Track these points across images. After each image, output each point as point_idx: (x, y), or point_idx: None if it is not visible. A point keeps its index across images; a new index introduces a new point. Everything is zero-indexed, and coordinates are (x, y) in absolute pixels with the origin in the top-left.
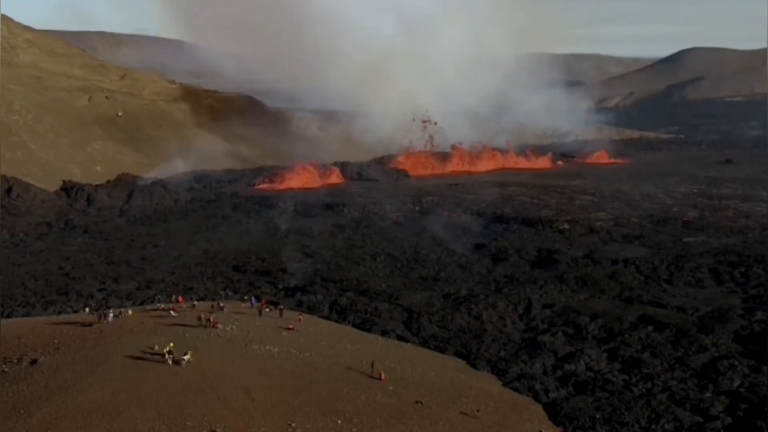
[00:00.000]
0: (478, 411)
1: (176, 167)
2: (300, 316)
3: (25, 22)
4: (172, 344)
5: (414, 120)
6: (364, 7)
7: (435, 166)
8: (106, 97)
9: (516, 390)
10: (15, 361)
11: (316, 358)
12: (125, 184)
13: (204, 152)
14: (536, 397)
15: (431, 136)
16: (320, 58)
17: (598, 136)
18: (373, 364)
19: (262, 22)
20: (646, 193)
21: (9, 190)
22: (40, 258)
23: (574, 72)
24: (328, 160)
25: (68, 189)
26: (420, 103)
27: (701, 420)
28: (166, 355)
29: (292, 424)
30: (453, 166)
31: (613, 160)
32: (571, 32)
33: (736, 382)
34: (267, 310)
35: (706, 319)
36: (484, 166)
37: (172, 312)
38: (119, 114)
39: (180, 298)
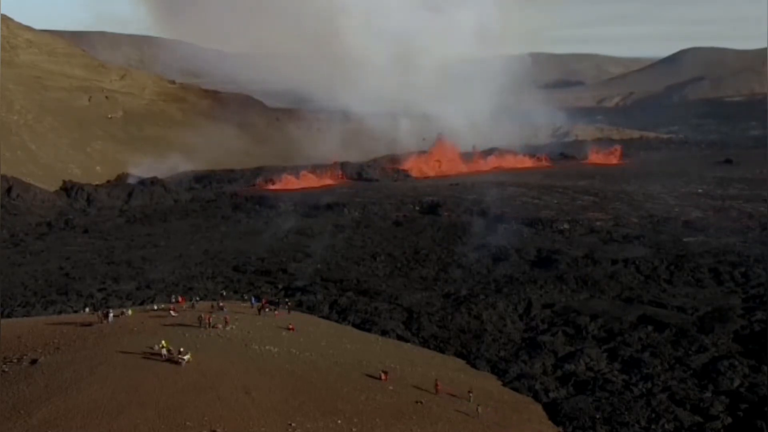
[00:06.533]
0: (478, 406)
1: (176, 167)
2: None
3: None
4: (164, 342)
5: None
6: (364, 6)
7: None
8: (106, 97)
9: (516, 390)
10: (15, 361)
11: (316, 358)
12: (125, 184)
13: (204, 152)
14: (536, 397)
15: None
16: (319, 57)
17: (598, 136)
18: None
19: (261, 22)
20: (647, 193)
21: (9, 190)
22: (40, 258)
23: (574, 72)
24: (328, 159)
25: (68, 189)
26: (419, 103)
27: (701, 420)
28: (163, 352)
29: (292, 424)
30: (451, 166)
31: (613, 160)
32: (571, 32)
33: (736, 382)
34: (266, 310)
35: (706, 319)
36: (484, 166)
37: (172, 312)
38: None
39: (180, 298)
